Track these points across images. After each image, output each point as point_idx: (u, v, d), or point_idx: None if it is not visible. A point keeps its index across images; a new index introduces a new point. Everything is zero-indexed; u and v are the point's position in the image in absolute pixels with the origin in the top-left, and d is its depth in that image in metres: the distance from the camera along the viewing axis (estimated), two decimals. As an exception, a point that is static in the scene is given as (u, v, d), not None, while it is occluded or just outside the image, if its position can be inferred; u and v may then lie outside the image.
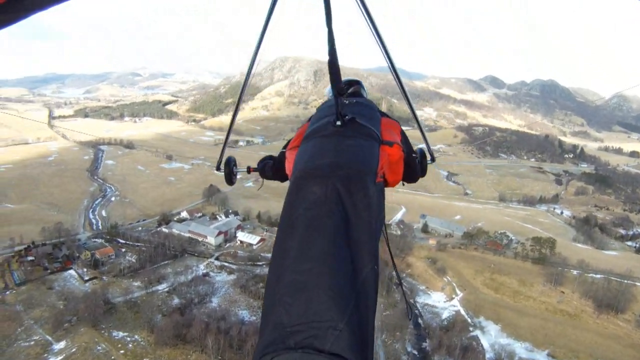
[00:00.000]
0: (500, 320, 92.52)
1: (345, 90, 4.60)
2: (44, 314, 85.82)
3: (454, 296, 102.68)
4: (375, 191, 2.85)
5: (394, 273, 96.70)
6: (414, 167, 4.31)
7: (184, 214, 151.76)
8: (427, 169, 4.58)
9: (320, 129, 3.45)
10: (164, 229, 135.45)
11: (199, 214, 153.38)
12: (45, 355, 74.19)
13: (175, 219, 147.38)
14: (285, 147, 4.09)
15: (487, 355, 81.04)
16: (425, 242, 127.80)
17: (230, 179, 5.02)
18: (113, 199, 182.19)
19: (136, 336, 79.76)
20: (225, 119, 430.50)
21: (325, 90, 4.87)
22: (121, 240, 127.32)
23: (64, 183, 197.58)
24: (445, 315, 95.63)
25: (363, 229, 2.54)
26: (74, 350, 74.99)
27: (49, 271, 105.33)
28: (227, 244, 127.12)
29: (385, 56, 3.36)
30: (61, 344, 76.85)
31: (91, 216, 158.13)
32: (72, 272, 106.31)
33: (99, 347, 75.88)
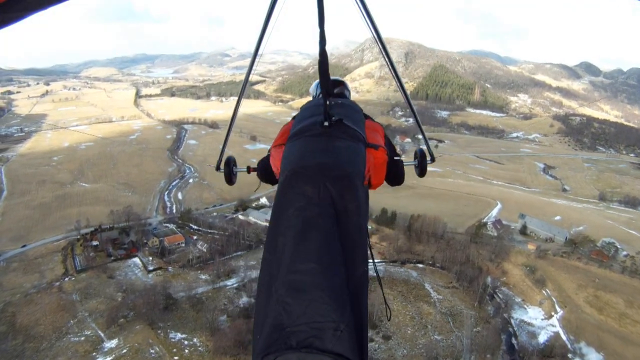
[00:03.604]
0: (602, 347, 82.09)
1: (333, 91, 4.72)
2: (100, 306, 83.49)
3: (553, 314, 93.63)
4: (363, 193, 3.00)
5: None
6: (398, 170, 4.44)
7: (264, 200, 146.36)
8: (427, 170, 4.71)
9: (307, 128, 3.58)
10: (240, 216, 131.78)
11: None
12: (94, 354, 71.12)
13: (253, 205, 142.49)
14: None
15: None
16: (524, 247, 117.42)
17: (230, 178, 5.15)
18: (191, 180, 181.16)
19: (195, 339, 74.90)
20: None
21: (310, 88, 5.04)
22: (194, 227, 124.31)
23: (142, 163, 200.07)
24: (542, 337, 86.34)
25: (355, 231, 2.69)
26: (124, 351, 71.33)
27: (112, 258, 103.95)
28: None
29: (384, 53, 3.62)
30: (113, 343, 73.60)
31: (166, 198, 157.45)
32: (136, 260, 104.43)
33: (152, 350, 71.61)
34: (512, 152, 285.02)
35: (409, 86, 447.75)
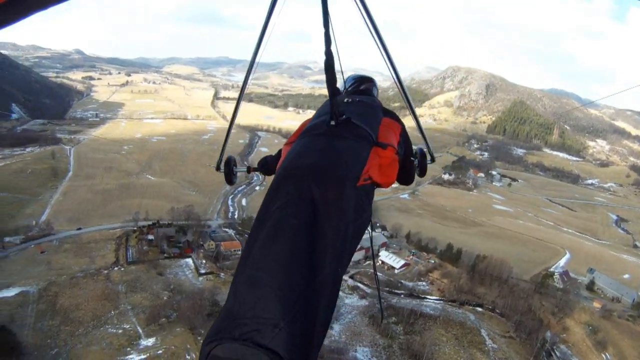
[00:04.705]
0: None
1: (355, 89, 4.91)
2: (144, 301, 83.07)
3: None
4: (354, 195, 3.02)
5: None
6: (410, 170, 4.64)
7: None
8: (427, 170, 4.93)
9: (314, 127, 3.68)
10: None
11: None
12: (129, 349, 70.26)
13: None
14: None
15: None
16: (589, 304, 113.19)
17: (230, 178, 5.30)
18: (257, 188, 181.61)
19: (235, 352, 72.08)
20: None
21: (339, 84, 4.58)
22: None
23: (211, 164, 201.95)
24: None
25: (331, 232, 2.74)
26: (160, 352, 70.26)
27: (165, 255, 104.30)
28: (367, 262, 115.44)
29: (385, 56, 3.72)
30: (149, 341, 72.65)
31: (230, 203, 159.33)
32: (189, 261, 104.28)
33: (188, 356, 69.81)
34: (585, 199, 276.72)
35: (487, 119, 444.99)
